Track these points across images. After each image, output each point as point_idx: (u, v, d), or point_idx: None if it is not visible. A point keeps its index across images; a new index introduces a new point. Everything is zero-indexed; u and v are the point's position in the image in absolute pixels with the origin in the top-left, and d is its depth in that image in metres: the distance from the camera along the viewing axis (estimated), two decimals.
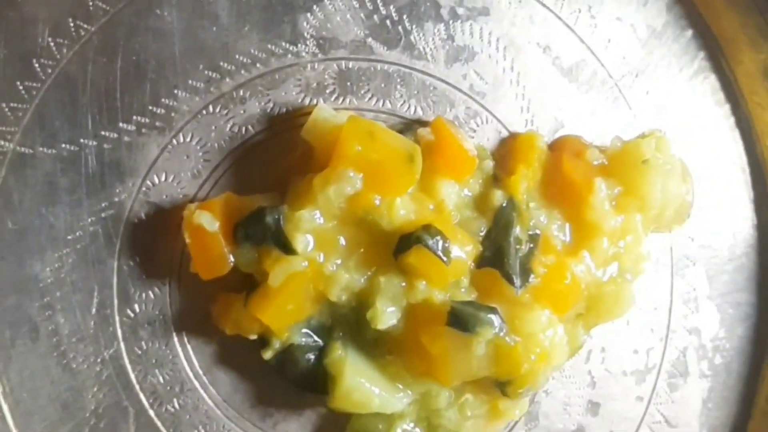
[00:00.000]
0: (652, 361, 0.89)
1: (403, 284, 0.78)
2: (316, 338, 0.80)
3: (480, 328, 0.76)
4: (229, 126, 0.80)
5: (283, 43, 0.81)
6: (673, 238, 0.89)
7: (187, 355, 0.81)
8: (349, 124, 0.76)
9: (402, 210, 0.77)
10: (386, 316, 0.77)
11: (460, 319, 0.76)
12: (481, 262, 0.80)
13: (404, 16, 0.83)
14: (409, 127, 0.82)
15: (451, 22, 0.84)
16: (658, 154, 0.84)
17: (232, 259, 0.77)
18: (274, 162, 0.81)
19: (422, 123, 0.82)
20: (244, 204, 0.78)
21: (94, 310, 0.79)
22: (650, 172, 0.83)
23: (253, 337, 0.79)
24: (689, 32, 0.89)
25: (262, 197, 0.78)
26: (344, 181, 0.75)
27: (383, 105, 0.83)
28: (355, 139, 0.76)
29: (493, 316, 0.77)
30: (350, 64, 0.82)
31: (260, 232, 0.76)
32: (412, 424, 0.83)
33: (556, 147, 0.85)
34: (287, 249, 0.75)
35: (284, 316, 0.77)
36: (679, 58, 0.89)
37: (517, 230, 0.81)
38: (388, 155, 0.76)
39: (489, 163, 0.83)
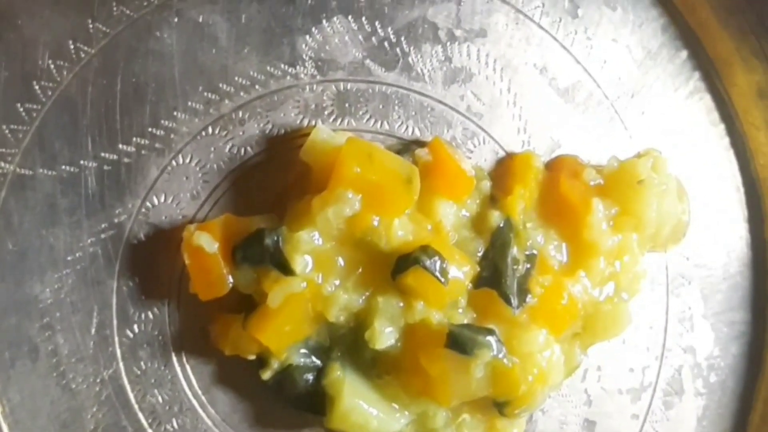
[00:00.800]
0: (648, 379, 0.90)
1: (401, 305, 0.78)
2: (314, 359, 0.80)
3: (478, 351, 0.76)
4: (228, 147, 0.81)
5: (282, 65, 0.81)
6: (668, 257, 0.90)
7: (186, 375, 0.81)
8: (347, 146, 0.77)
9: (400, 231, 0.78)
10: (384, 336, 0.78)
11: (459, 342, 0.76)
12: (479, 282, 0.81)
13: (402, 38, 0.83)
14: (407, 148, 0.82)
15: (448, 43, 0.84)
16: (654, 174, 0.84)
17: (231, 280, 0.77)
18: (273, 183, 0.81)
19: (420, 144, 0.83)
20: (243, 225, 0.78)
21: (93, 331, 0.79)
22: (646, 192, 0.84)
23: (252, 357, 0.79)
24: (684, 53, 0.90)
25: (261, 218, 0.79)
26: (343, 203, 0.76)
27: (381, 126, 0.83)
28: (354, 160, 0.76)
29: (491, 339, 0.77)
30: (348, 86, 0.83)
31: (259, 254, 0.76)
32: None
33: (552, 167, 0.86)
34: (286, 270, 0.76)
35: (283, 337, 0.78)
36: (674, 79, 0.90)
37: (514, 250, 0.81)
38: (387, 177, 0.77)
39: (486, 184, 0.83)
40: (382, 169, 0.77)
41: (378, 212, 0.77)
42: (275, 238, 0.76)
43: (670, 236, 0.88)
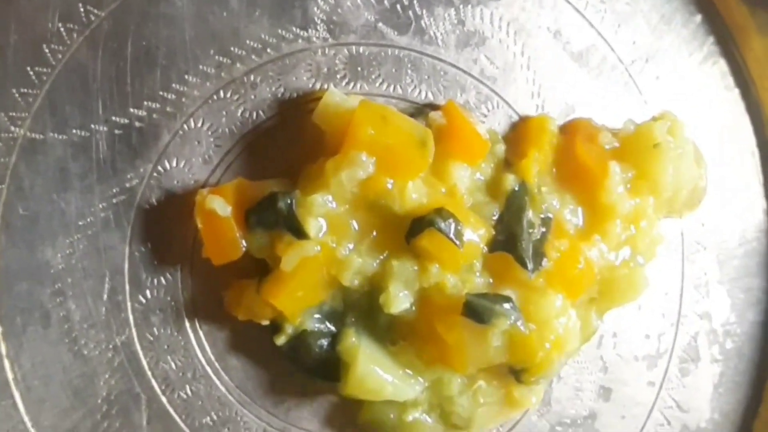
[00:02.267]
0: (664, 346, 0.89)
1: (416, 268, 0.77)
2: (328, 324, 0.79)
3: (495, 320, 0.75)
4: (240, 111, 0.80)
5: (294, 28, 0.80)
6: (683, 223, 0.89)
7: (200, 342, 0.80)
8: (361, 109, 0.76)
9: (414, 194, 0.77)
10: (399, 300, 0.77)
11: (476, 311, 0.76)
12: (494, 246, 0.80)
13: (414, 1, 0.82)
14: (420, 111, 0.82)
15: (461, 6, 0.83)
16: (671, 137, 0.84)
17: (244, 244, 0.77)
18: (285, 147, 0.80)
19: (433, 107, 0.82)
20: (256, 189, 0.78)
21: (105, 297, 0.78)
22: (662, 156, 0.83)
23: (266, 322, 0.78)
24: (698, 17, 0.90)
25: (274, 182, 0.78)
26: (357, 166, 0.75)
27: (394, 90, 0.82)
28: (368, 123, 0.75)
29: (508, 307, 0.76)
30: (361, 49, 0.82)
31: (272, 217, 0.76)
32: (424, 414, 0.82)
33: (567, 130, 0.85)
34: (300, 233, 0.75)
35: (297, 301, 0.77)
36: (688, 44, 0.89)
37: (529, 214, 0.81)
38: (401, 139, 0.76)
39: (501, 147, 0.83)
40: (396, 131, 0.76)
41: (392, 175, 0.76)
42: (288, 202, 0.75)
43: (687, 201, 0.87)
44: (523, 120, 0.85)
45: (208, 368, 0.80)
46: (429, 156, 0.77)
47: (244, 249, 0.77)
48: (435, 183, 0.79)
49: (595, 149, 0.83)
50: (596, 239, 0.82)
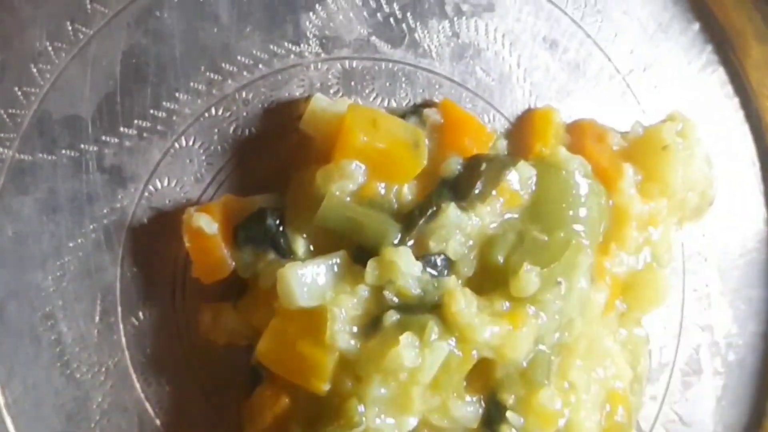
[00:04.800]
0: (665, 359, 0.88)
1: None
2: None
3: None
4: (231, 128, 0.79)
5: (286, 44, 0.79)
6: (684, 234, 0.88)
7: (193, 363, 0.79)
8: (351, 114, 0.75)
9: (409, 196, 0.76)
10: None
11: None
12: None
13: (408, 14, 0.81)
14: (413, 110, 0.80)
15: (455, 18, 0.82)
16: (680, 139, 0.83)
17: (232, 262, 0.76)
18: (278, 163, 0.79)
19: (427, 105, 0.81)
20: (245, 205, 0.77)
21: (97, 318, 0.77)
22: (671, 157, 0.82)
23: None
24: (696, 25, 0.88)
25: (263, 198, 0.77)
26: (347, 177, 0.74)
27: (388, 104, 0.81)
28: (359, 128, 0.74)
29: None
30: (354, 64, 0.81)
31: (261, 234, 0.75)
32: None
33: (573, 131, 0.84)
34: (284, 252, 0.75)
35: None
36: (686, 52, 0.89)
37: None
38: (393, 143, 0.75)
39: (502, 143, 0.82)
40: (388, 135, 0.75)
41: (384, 179, 0.75)
42: (276, 220, 0.75)
43: (696, 207, 0.86)
44: (528, 112, 0.84)
45: (203, 391, 0.79)
46: (423, 157, 0.76)
47: (232, 267, 0.76)
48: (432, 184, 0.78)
49: (606, 150, 0.82)
50: (614, 248, 0.81)
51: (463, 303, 0.72)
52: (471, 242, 0.76)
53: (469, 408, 0.76)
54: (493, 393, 0.76)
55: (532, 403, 0.75)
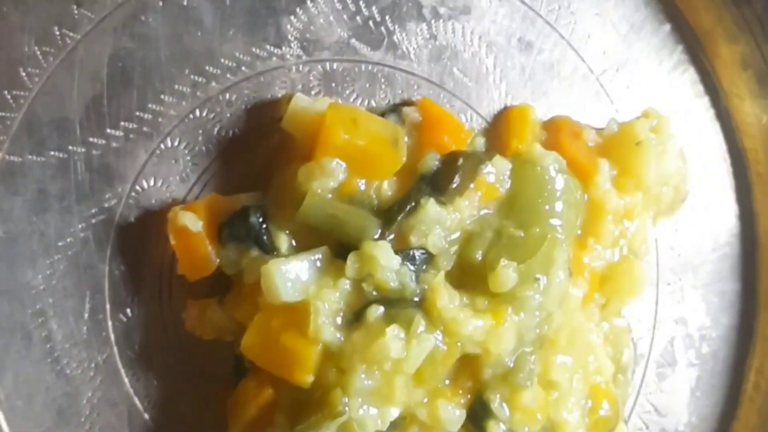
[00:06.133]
0: (640, 351, 0.91)
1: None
2: None
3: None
4: (216, 129, 0.81)
5: (268, 46, 0.81)
6: (657, 229, 0.90)
7: (181, 358, 0.81)
8: (331, 112, 0.76)
9: (389, 192, 0.78)
10: None
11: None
12: None
13: (387, 17, 0.84)
14: (392, 109, 0.82)
15: (433, 21, 0.85)
16: (653, 135, 0.85)
17: (217, 259, 0.78)
18: (262, 162, 0.81)
19: (406, 104, 0.83)
20: (229, 204, 0.79)
21: (86, 316, 0.79)
22: (644, 153, 0.84)
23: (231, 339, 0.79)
24: (667, 26, 0.91)
25: (246, 196, 0.79)
26: (328, 175, 0.76)
27: (368, 105, 0.83)
28: (340, 127, 0.76)
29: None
30: (335, 65, 0.83)
31: (244, 232, 0.77)
32: None
33: (549, 128, 0.86)
34: (267, 249, 0.77)
35: None
36: (658, 52, 0.91)
37: None
38: (373, 141, 0.77)
39: (480, 140, 0.84)
40: (368, 133, 0.77)
41: (364, 176, 0.77)
42: (259, 217, 0.77)
43: (671, 202, 0.88)
44: (505, 110, 0.86)
45: (190, 385, 0.81)
46: (402, 154, 0.78)
47: (216, 264, 0.78)
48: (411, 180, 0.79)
49: (582, 146, 0.84)
50: (591, 242, 0.83)
51: (447, 298, 0.74)
52: (451, 237, 0.78)
53: (456, 412, 0.77)
54: (479, 393, 0.78)
55: (517, 402, 0.78)
